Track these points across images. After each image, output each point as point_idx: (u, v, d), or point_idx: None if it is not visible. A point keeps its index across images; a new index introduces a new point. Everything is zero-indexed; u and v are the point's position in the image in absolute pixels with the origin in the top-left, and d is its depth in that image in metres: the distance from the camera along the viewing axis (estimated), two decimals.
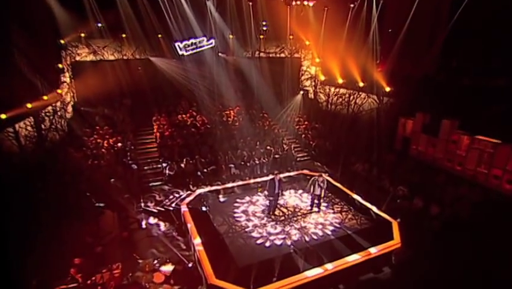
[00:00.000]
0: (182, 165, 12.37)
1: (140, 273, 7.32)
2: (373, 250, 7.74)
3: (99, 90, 13.30)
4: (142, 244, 8.85)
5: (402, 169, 11.95)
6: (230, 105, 15.93)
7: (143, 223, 9.92)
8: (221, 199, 10.47)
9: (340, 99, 15.87)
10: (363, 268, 7.60)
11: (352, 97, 15.26)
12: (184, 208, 9.83)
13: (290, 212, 9.52)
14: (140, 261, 7.85)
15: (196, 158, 12.53)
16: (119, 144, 12.38)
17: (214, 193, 10.74)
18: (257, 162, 13.02)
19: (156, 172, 12.58)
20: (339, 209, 9.80)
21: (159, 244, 8.91)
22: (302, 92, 17.30)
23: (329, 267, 7.35)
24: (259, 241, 8.21)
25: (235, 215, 9.38)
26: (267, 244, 8.11)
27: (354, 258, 7.50)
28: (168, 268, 7.55)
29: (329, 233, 8.55)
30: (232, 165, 12.75)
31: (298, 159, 14.16)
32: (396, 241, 8.12)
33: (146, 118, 14.51)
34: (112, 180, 10.57)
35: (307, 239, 8.27)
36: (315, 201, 9.61)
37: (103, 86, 13.43)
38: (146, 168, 12.58)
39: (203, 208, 9.72)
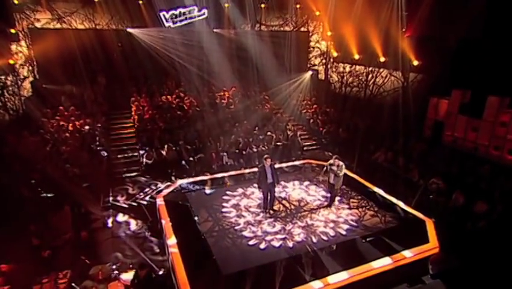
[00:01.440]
0: (163, 152, 11.23)
1: (89, 282, 6.11)
2: (408, 254, 6.56)
3: (65, 65, 12.38)
4: (104, 247, 7.86)
5: (434, 158, 10.63)
6: (225, 86, 14.94)
7: (109, 221, 8.83)
8: (208, 191, 9.30)
9: (356, 79, 14.63)
10: (393, 278, 6.31)
11: (370, 76, 14.01)
12: (159, 202, 8.67)
13: (293, 207, 8.36)
14: (102, 267, 6.62)
15: (180, 144, 11.37)
16: (87, 127, 11.24)
17: (199, 184, 9.70)
18: (255, 150, 11.86)
19: (132, 161, 11.47)
20: (355, 204, 8.60)
21: (126, 247, 7.87)
22: (310, 72, 16.08)
23: (345, 275, 6.08)
24: (251, 242, 7.05)
25: (223, 210, 8.21)
26: (262, 245, 6.93)
27: (381, 264, 6.31)
28: (130, 276, 6.31)
29: (344, 233, 7.35)
30: (225, 154, 11.60)
31: (305, 148, 13.04)
32: (432, 245, 6.94)
33: (123, 99, 13.50)
34: (67, 165, 9.39)
35: (314, 240, 7.08)
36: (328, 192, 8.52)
37: (71, 61, 12.49)
38: (119, 156, 11.49)
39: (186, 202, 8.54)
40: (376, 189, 9.31)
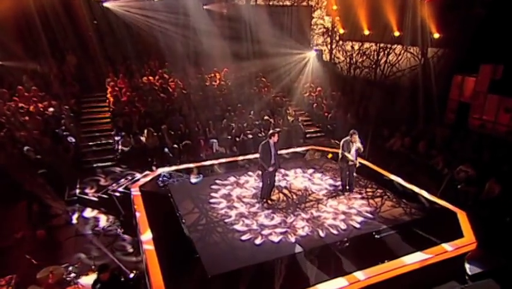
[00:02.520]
0: (143, 138, 10.40)
1: (34, 287, 5.25)
2: (448, 248, 5.92)
3: (26, 40, 11.54)
4: (65, 247, 7.10)
5: (460, 144, 9.91)
6: (216, 67, 14.21)
7: (73, 217, 8.01)
8: (193, 180, 8.52)
9: (366, 58, 13.91)
10: (418, 280, 5.50)
11: (382, 54, 13.28)
12: (134, 192, 7.86)
13: (295, 197, 7.67)
14: (54, 269, 5.75)
15: (163, 129, 10.54)
16: (50, 110, 10.38)
17: (183, 173, 8.96)
18: (250, 136, 11.08)
19: (106, 149, 10.64)
20: (370, 194, 7.94)
21: (92, 246, 7.09)
22: (314, 52, 15.36)
23: (360, 276, 5.28)
24: (245, 237, 6.28)
25: (212, 200, 7.47)
26: (258, 240, 6.17)
27: (410, 261, 5.60)
28: (91, 279, 5.44)
29: (358, 226, 6.61)
30: (215, 141, 10.82)
31: (308, 135, 12.38)
32: (468, 240, 6.22)
33: (97, 81, 12.73)
34: (26, 148, 8.53)
35: (322, 234, 6.32)
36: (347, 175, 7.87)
37: (35, 35, 11.62)
38: (90, 143, 10.62)
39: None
40: (393, 177, 8.67)
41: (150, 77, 13.12)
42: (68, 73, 12.32)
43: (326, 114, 12.96)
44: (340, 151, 7.67)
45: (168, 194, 7.88)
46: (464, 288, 5.49)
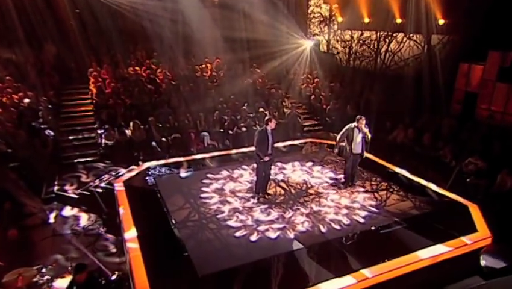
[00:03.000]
0: (128, 131, 10.02)
1: None
2: (468, 241, 5.76)
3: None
4: (42, 248, 6.70)
5: (467, 135, 9.69)
6: (207, 57, 13.91)
7: (51, 216, 7.62)
8: (183, 174, 8.22)
9: (366, 47, 13.68)
10: (429, 278, 5.23)
11: (382, 42, 13.07)
12: (118, 187, 7.52)
13: (293, 191, 7.46)
14: (25, 270, 5.35)
15: (150, 121, 10.19)
16: (26, 101, 9.96)
17: (171, 167, 8.69)
18: (244, 129, 10.79)
19: (88, 144, 10.25)
20: (374, 187, 7.77)
21: (71, 247, 6.72)
22: (311, 42, 15.12)
23: (367, 274, 5.00)
24: (239, 233, 5.97)
25: (203, 195, 7.19)
26: (253, 237, 5.89)
27: (432, 253, 5.42)
28: (68, 282, 5.06)
29: (362, 220, 6.39)
30: (206, 134, 10.50)
31: (306, 128, 12.13)
32: (482, 234, 6.01)
33: (79, 73, 12.36)
34: None
35: (323, 229, 6.06)
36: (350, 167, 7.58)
37: (7, 21, 11.24)
38: (71, 137, 10.21)
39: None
40: (398, 170, 8.50)
41: (137, 68, 12.75)
42: (46, 62, 11.89)
43: (324, 106, 12.71)
44: (338, 137, 7.44)
45: (156, 189, 7.55)
46: (488, 284, 5.20)
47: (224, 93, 12.18)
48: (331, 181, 7.91)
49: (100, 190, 8.09)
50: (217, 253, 5.55)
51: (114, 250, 6.65)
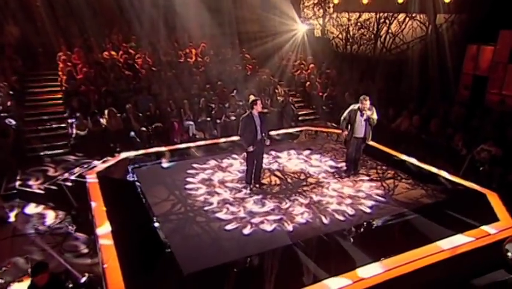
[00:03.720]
0: (103, 120, 9.52)
1: None
2: (491, 230, 5.53)
3: None
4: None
5: (477, 122, 9.53)
6: (191, 41, 13.57)
7: (11, 215, 7.07)
8: (166, 165, 7.88)
9: (365, 31, 13.48)
10: (443, 274, 4.93)
11: (382, 24, 12.87)
12: (91, 179, 7.05)
13: (290, 180, 7.23)
14: None
15: (128, 109, 9.72)
16: None
17: (152, 157, 8.37)
18: (233, 118, 10.44)
19: (57, 134, 9.71)
20: (380, 175, 7.59)
21: (34, 248, 6.20)
22: (305, 26, 14.87)
23: (377, 269, 4.68)
24: (230, 226, 5.60)
25: (188, 186, 6.80)
26: (247, 230, 5.54)
27: (452, 244, 5.18)
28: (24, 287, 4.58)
29: (368, 210, 6.15)
30: (191, 123, 10.12)
31: (301, 117, 11.88)
32: (506, 223, 5.76)
33: (46, 58, 11.78)
34: None
35: (326, 221, 5.79)
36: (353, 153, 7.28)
37: None
38: (38, 128, 9.65)
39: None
40: (405, 157, 8.33)
41: (113, 53, 12.26)
42: (8, 45, 11.28)
43: (320, 93, 12.46)
44: (341, 120, 7.14)
45: (134, 180, 7.15)
46: None
47: (211, 79, 11.87)
48: (332, 170, 7.67)
49: (69, 184, 7.58)
50: (204, 249, 5.15)
51: (86, 251, 6.15)
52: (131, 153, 8.40)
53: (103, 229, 5.59)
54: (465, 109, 10.34)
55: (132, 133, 9.49)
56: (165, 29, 13.39)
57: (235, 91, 11.41)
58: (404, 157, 8.34)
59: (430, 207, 6.26)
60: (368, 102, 6.86)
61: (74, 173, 7.89)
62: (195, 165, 7.74)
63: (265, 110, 6.63)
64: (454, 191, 6.90)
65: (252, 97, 6.60)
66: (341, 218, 5.87)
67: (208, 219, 5.81)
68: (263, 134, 6.56)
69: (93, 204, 6.25)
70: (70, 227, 6.75)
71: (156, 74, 11.65)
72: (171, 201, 6.37)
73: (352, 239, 5.35)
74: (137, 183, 7.02)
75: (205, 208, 6.10)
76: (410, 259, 4.89)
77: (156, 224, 5.71)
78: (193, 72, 12.13)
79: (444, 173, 7.49)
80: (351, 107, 7.05)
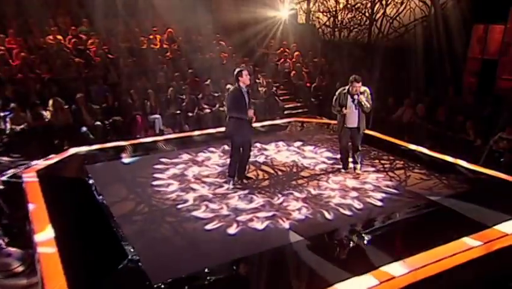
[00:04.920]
0: (46, 113, 8.85)
1: None
2: None
3: None
4: None
5: (490, 110, 9.52)
6: (155, 26, 13.36)
7: None
8: (126, 160, 7.45)
9: (357, 13, 13.47)
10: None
11: (377, 6, 12.88)
12: (28, 178, 6.38)
13: (281, 173, 7.01)
14: None
15: (78, 99, 9.11)
16: None
17: (109, 151, 7.89)
18: (208, 111, 10.14)
19: None
20: (387, 166, 7.44)
21: None
22: (287, 12, 14.82)
23: (399, 269, 4.25)
24: (211, 226, 5.12)
25: (156, 183, 6.37)
26: (232, 229, 5.05)
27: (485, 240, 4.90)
28: None
29: (380, 204, 5.85)
30: (158, 116, 9.73)
31: (287, 111, 11.76)
32: None
33: None
34: None
35: (329, 216, 5.44)
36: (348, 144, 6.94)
37: None
38: None
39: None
40: (413, 146, 8.31)
41: (59, 37, 11.61)
42: None
43: (308, 84, 12.34)
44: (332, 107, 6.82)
45: (86, 178, 6.52)
46: None
47: (181, 68, 11.57)
48: (330, 161, 7.44)
49: (1, 187, 6.82)
50: (179, 253, 4.55)
51: (21, 268, 5.48)
52: (82, 149, 7.79)
53: (44, 234, 4.90)
54: (473, 97, 10.35)
55: (84, 128, 8.94)
56: (124, 11, 13.03)
57: (209, 80, 11.04)
58: (412, 146, 8.31)
59: (453, 198, 6.05)
60: (360, 84, 6.42)
61: (8, 174, 7.14)
62: (164, 160, 7.30)
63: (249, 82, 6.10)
64: (478, 181, 6.82)
65: (237, 68, 6.14)
66: (348, 212, 5.50)
67: (181, 218, 5.26)
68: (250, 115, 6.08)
69: (31, 206, 5.54)
70: (0, 240, 6.03)
71: (114, 61, 11.20)
72: (134, 201, 5.79)
73: (365, 236, 4.98)
74: (90, 182, 6.38)
75: (178, 206, 5.55)
76: (437, 258, 4.50)
77: (115, 227, 5.06)
78: (158, 60, 11.74)
79: (462, 162, 7.45)
80: (339, 90, 6.64)
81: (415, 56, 11.21)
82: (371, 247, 4.70)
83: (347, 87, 6.49)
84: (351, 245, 4.87)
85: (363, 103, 6.36)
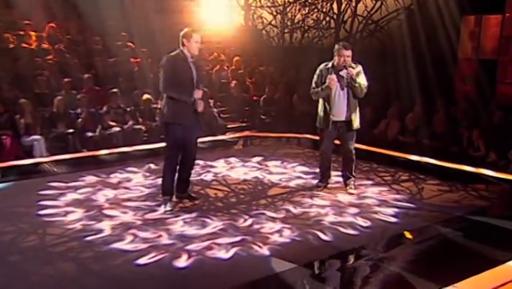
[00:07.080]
0: None
1: None
2: None
3: None
4: None
5: (499, 118, 10.00)
6: (30, 20, 12.98)
7: None
8: None
9: (316, 9, 14.15)
10: None
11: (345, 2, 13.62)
12: None
13: (243, 192, 7.19)
14: None
15: None
16: None
17: None
18: (117, 129, 10.02)
19: None
20: (388, 178, 7.93)
21: None
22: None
23: None
24: (145, 260, 4.54)
25: (45, 212, 5.95)
26: (181, 262, 4.60)
27: None
28: None
29: (393, 220, 5.87)
30: (37, 138, 9.25)
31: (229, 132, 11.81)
32: None
33: None
34: None
35: (326, 237, 5.29)
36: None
37: None
38: None
39: None
40: (415, 157, 8.90)
41: None
42: None
43: (254, 97, 12.61)
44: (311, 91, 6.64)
45: None
46: None
47: (71, 74, 11.31)
48: (308, 176, 7.70)
49: None
50: None
51: None
52: None
53: None
54: (471, 105, 10.75)
55: None
56: None
57: (115, 89, 10.69)
58: (414, 157, 8.86)
59: (489, 211, 6.45)
60: (350, 53, 6.17)
61: None
62: (54, 184, 7.00)
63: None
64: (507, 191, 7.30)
65: (185, 30, 5.80)
66: (352, 232, 5.37)
67: (96, 253, 4.59)
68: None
69: None
70: None
71: None
72: (8, 235, 5.22)
73: (387, 259, 4.78)
74: None
75: (87, 238, 4.86)
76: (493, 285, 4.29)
77: None
78: (36, 64, 11.34)
79: (482, 170, 7.94)
80: (321, 66, 6.46)
81: (393, 58, 11.66)
82: (401, 270, 4.50)
83: (330, 62, 6.31)
84: (373, 269, 4.62)
85: (355, 81, 6.12)
